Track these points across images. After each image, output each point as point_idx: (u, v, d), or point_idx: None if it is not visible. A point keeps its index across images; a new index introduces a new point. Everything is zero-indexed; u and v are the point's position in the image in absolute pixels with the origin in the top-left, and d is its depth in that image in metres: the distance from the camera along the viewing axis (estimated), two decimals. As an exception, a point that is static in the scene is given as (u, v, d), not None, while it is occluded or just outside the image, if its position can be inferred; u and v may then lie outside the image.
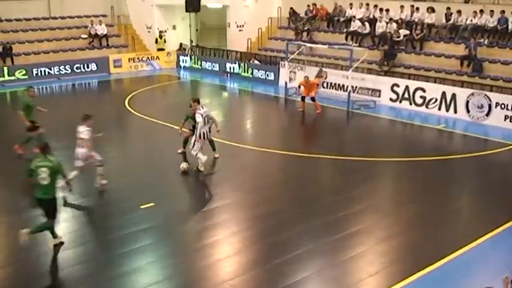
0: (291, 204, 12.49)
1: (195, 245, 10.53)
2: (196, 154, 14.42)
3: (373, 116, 21.33)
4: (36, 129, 15.17)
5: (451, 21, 25.52)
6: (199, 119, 14.24)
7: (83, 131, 12.56)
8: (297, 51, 26.12)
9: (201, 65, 31.21)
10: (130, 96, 24.26)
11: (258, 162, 15.72)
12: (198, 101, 14.66)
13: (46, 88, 26.63)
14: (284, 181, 14.23)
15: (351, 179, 14.26)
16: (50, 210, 10.21)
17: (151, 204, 12.24)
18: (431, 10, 26.07)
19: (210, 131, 14.68)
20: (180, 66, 32.17)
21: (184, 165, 14.53)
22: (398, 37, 26.27)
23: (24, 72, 27.62)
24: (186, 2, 30.53)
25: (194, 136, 14.54)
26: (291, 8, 31.99)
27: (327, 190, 13.69)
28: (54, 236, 10.49)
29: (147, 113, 20.80)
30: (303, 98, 21.98)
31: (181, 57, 32.30)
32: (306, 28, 29.98)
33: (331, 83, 24.71)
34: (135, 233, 11.03)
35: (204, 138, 14.45)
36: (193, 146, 14.50)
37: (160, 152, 16.40)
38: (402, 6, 27.26)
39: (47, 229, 10.31)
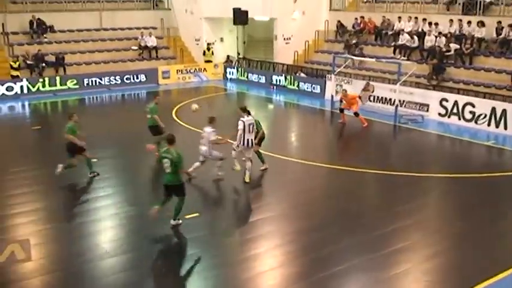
0: (336, 219, 12.40)
1: (238, 257, 10.55)
2: (234, 159, 14.86)
3: (421, 131, 21.08)
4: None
5: (502, 36, 25.02)
6: (240, 126, 14.44)
7: (209, 132, 14.22)
8: (344, 65, 26.01)
9: (247, 77, 31.42)
10: (177, 106, 24.56)
11: (302, 176, 15.68)
12: (244, 109, 14.83)
13: (96, 98, 27.24)
14: (329, 195, 14.15)
15: (397, 194, 14.08)
16: (178, 192, 11.65)
17: (196, 214, 12.34)
18: (481, 24, 25.62)
19: (254, 140, 14.80)
20: (227, 78, 32.45)
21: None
22: (448, 51, 25.90)
23: (75, 82, 28.30)
24: (234, 14, 30.85)
25: (237, 142, 14.72)
26: (339, 21, 31.94)
27: (372, 205, 13.54)
28: (175, 218, 11.77)
29: (193, 124, 21.00)
30: (341, 110, 21.95)
31: (228, 69, 32.58)
32: (354, 42, 29.83)
33: (378, 97, 24.50)
34: (179, 242, 11.11)
35: (247, 145, 14.57)
36: (233, 151, 14.86)
37: (205, 163, 16.56)
38: (451, 20, 26.88)
39: (180, 209, 11.73)
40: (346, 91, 22.09)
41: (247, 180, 14.59)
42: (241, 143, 14.52)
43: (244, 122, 14.44)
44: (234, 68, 32.40)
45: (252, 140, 14.63)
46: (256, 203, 13.58)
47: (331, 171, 15.95)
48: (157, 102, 16.78)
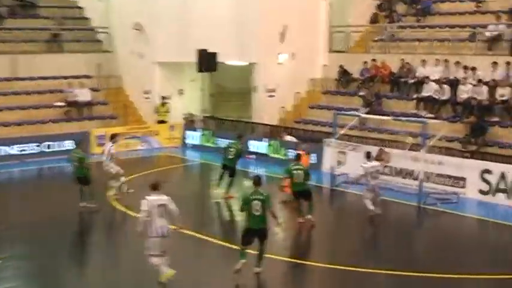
0: None
1: None
2: None
3: (455, 215, 21.00)
4: None
5: None
6: (143, 207, 13.91)
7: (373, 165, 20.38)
8: (350, 125, 26.03)
9: (215, 143, 31.31)
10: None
11: (293, 279, 15.66)
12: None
13: (4, 174, 26.83)
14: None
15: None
16: (264, 236, 14.85)
17: None
18: (536, 67, 26.05)
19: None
20: (187, 145, 32.46)
21: None
22: (492, 104, 26.07)
23: (-27, 151, 28.02)
24: (198, 58, 31.02)
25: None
26: (341, 67, 32.27)
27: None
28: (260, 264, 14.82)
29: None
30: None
31: (188, 133, 32.57)
32: (373, 99, 29.76)
33: (396, 168, 24.42)
34: None
35: (158, 235, 13.94)
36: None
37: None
38: (495, 63, 27.18)
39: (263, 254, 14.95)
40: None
41: (162, 279, 14.06)
42: (149, 231, 13.83)
43: (148, 202, 13.99)
44: (197, 130, 32.40)
45: (166, 227, 13.95)
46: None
47: (333, 273, 15.84)
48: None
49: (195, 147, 32.23)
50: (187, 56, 31.35)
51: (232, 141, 23.89)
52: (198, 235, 18.05)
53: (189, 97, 34.57)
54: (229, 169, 23.11)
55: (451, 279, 15.24)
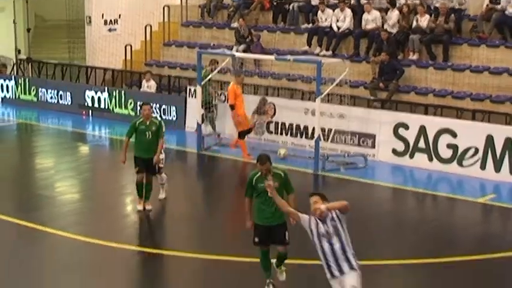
0: None
1: None
2: None
3: (363, 183, 21.58)
4: None
5: (498, 8, 25.92)
6: None
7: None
8: (220, 67, 26.11)
9: (37, 96, 31.15)
10: None
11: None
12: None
13: None
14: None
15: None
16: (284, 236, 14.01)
17: None
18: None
19: None
20: (-3, 99, 32.16)
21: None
22: (407, 36, 26.71)
23: None
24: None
25: None
26: (207, -11, 32.32)
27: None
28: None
29: None
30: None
31: (-2, 82, 32.23)
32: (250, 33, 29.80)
33: (283, 124, 24.83)
34: None
35: None
36: None
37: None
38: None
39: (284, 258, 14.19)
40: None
41: None
42: None
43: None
44: (9, 79, 32.04)
45: None
46: None
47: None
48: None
49: (8, 101, 31.99)
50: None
51: None
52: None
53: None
54: None
55: (365, 267, 15.62)
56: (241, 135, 23.59)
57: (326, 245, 11.54)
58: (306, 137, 24.15)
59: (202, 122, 25.01)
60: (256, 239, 13.82)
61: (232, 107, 23.60)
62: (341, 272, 11.47)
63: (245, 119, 23.82)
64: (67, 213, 18.46)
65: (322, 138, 23.06)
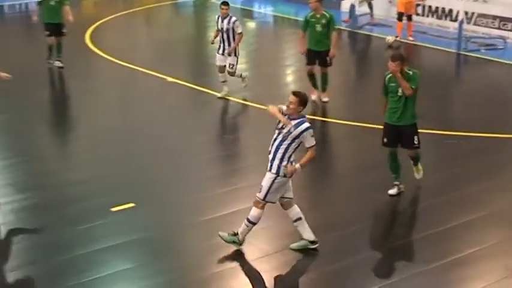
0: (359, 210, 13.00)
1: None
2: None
3: (501, 63, 21.56)
4: None
5: None
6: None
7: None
8: None
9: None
10: (94, 26, 24.85)
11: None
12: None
13: None
14: (360, 169, 14.75)
15: (465, 168, 14.61)
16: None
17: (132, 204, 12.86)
18: None
19: None
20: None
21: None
22: None
23: None
24: None
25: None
26: None
27: (426, 188, 13.94)
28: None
29: (122, 56, 21.56)
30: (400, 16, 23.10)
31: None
32: None
33: (430, 8, 25.20)
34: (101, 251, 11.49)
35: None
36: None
37: (144, 116, 17.41)
38: None
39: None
40: None
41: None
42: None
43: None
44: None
45: None
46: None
47: (352, 130, 16.73)
48: None
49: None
50: None
51: None
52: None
53: None
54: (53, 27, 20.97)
55: (495, 140, 15.97)
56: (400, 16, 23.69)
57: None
58: (451, 19, 24.25)
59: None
60: (385, 139, 13.22)
61: None
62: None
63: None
64: (233, 80, 19.06)
65: (465, 20, 23.28)
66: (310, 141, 10.96)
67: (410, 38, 23.45)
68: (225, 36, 18.33)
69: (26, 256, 11.35)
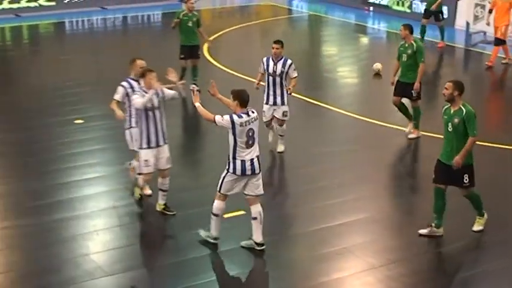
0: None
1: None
2: None
3: None
4: None
5: None
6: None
7: None
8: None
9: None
10: (211, 38, 24.87)
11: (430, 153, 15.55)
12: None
13: (83, 22, 27.83)
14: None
15: None
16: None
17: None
18: None
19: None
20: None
21: None
22: None
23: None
24: None
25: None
26: None
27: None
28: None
29: (238, 67, 21.48)
30: (497, 42, 22.02)
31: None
32: None
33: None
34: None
35: None
36: None
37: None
38: None
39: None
40: None
41: None
42: None
43: None
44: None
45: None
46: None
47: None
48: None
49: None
50: None
51: None
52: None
53: None
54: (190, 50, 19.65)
55: None
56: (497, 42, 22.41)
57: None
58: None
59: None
60: (434, 176, 11.88)
61: None
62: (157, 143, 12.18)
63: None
64: (346, 94, 18.94)
65: None
66: None
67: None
68: (277, 80, 15.02)
69: (134, 260, 11.49)
